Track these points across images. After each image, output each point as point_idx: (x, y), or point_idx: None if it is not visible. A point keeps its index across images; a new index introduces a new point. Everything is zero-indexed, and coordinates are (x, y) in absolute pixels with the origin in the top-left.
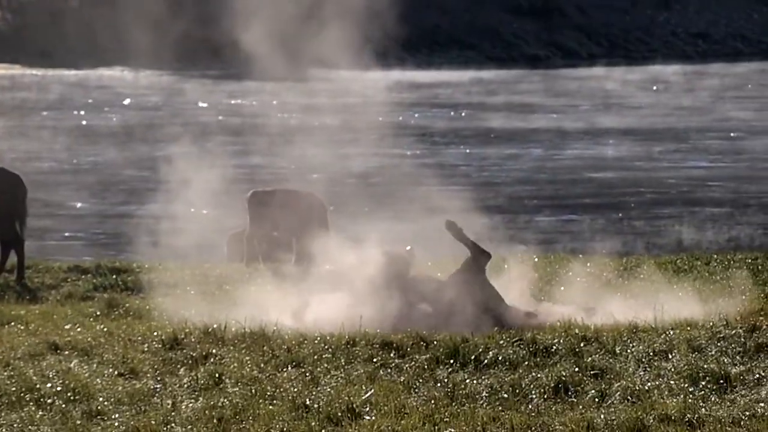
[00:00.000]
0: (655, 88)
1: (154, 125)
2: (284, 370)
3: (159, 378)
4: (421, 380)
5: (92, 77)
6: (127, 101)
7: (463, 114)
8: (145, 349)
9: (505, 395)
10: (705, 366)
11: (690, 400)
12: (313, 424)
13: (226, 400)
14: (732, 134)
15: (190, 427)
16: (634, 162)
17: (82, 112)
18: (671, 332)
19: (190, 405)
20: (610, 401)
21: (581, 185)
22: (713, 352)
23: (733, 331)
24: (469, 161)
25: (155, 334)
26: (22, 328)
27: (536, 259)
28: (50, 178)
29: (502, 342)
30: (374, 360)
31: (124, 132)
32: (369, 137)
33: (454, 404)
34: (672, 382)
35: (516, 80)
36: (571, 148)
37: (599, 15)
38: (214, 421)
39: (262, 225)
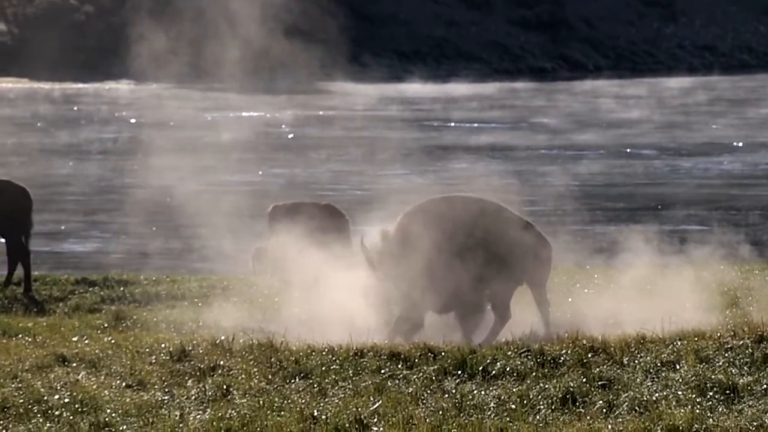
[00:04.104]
0: (645, 101)
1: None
2: (292, 381)
3: (167, 390)
4: (428, 391)
5: (90, 91)
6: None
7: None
8: (153, 361)
9: (513, 406)
10: (713, 376)
11: (698, 411)
12: None
13: (233, 411)
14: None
15: None
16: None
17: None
18: (679, 343)
19: (198, 417)
20: (617, 412)
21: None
22: (721, 363)
23: (741, 342)
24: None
25: (163, 345)
26: (29, 340)
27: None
28: None
29: (509, 353)
30: (382, 371)
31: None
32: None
33: (461, 415)
34: (680, 392)
35: (515, 95)
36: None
37: (606, 27)
38: None
39: (283, 238)
